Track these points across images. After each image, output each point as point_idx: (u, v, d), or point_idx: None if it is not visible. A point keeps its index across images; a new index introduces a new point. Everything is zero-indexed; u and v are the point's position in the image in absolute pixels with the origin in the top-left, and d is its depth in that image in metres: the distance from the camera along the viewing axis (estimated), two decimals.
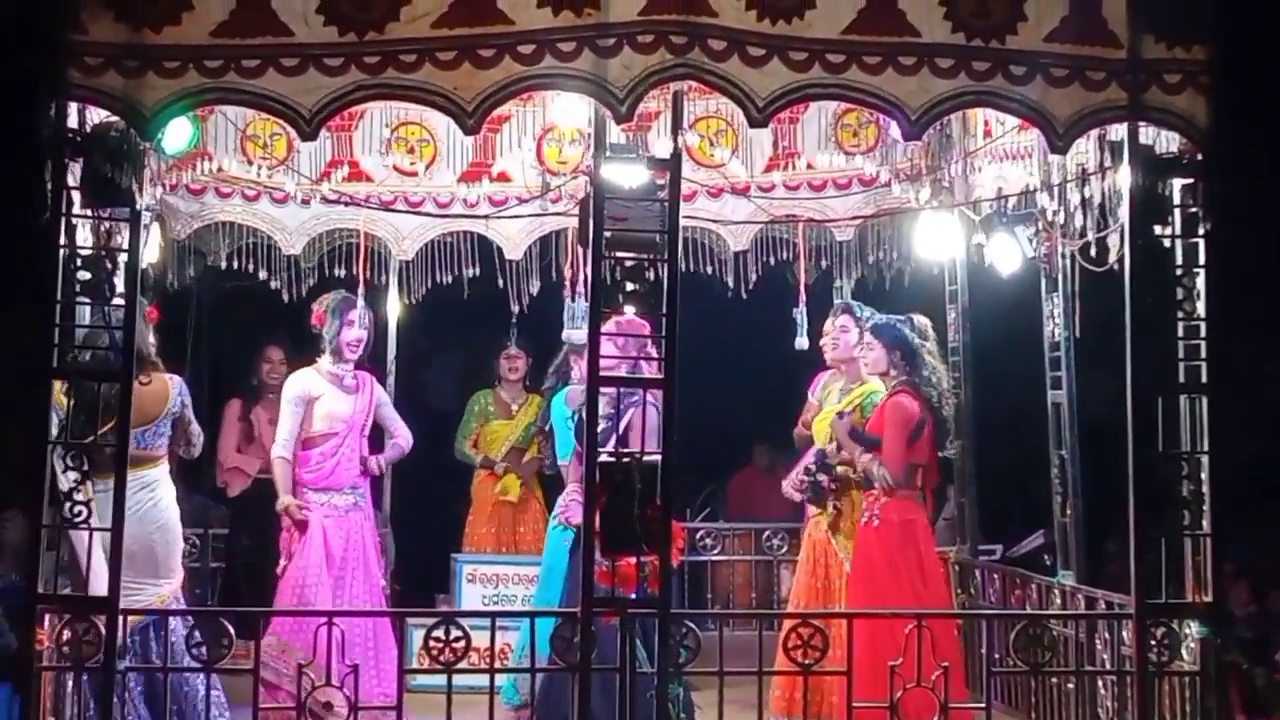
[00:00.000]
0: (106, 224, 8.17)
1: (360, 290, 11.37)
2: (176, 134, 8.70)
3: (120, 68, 7.83)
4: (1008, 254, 10.76)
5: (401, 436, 11.32)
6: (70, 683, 8.39)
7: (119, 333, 8.04)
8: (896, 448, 9.91)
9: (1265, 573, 12.92)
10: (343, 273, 11.89)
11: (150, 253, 10.14)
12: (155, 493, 9.39)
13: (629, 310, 8.54)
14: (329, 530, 10.70)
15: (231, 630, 8.11)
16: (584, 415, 9.78)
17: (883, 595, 9.78)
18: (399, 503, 12.80)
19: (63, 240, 7.99)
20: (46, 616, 7.99)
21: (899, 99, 8.12)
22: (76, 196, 8.02)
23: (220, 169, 10.92)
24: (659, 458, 8.07)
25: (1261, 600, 12.65)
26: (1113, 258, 9.14)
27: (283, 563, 10.73)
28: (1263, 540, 13.72)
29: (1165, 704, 8.47)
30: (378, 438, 11.43)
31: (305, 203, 11.60)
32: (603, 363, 8.29)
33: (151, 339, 9.58)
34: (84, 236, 8.15)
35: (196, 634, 8.18)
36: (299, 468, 10.79)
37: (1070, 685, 9.55)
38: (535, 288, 11.92)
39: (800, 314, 11.30)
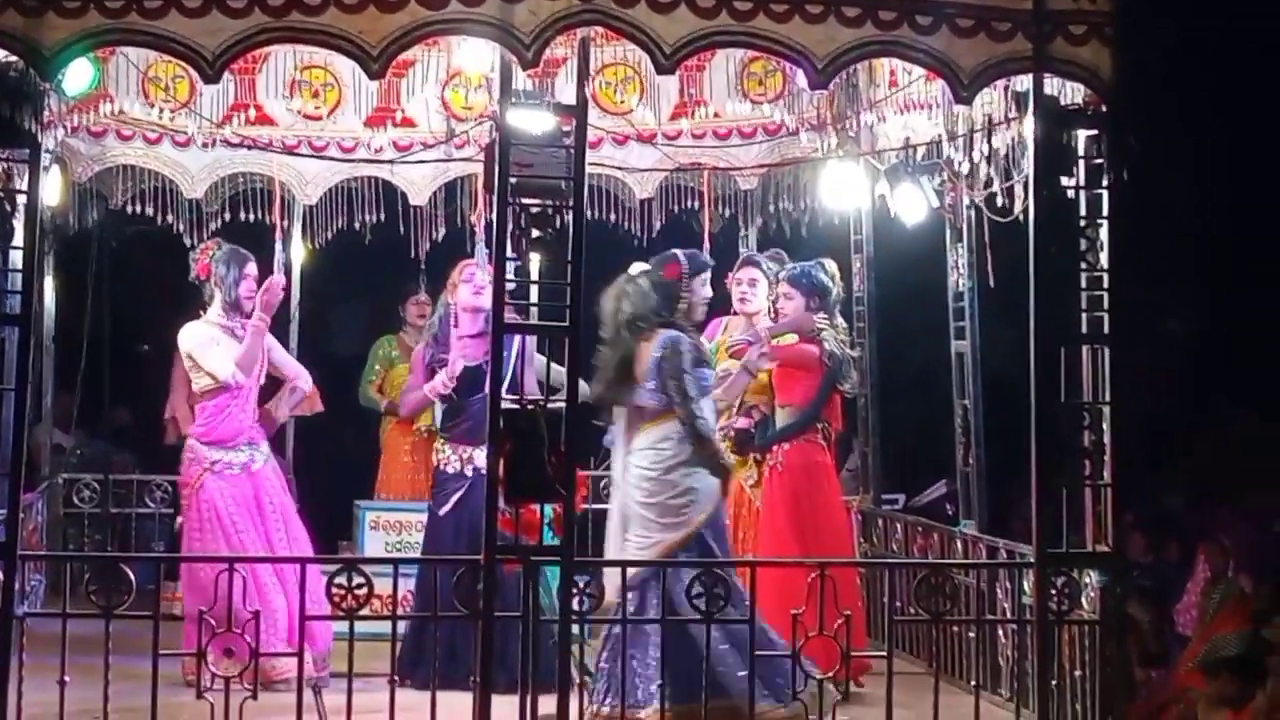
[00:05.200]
0: (5, 165, 8.08)
1: (277, 236, 11.23)
2: (77, 75, 8.60)
3: (19, 6, 7.74)
4: (913, 204, 10.73)
5: (300, 378, 10.64)
6: None
7: (19, 275, 7.96)
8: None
9: (1163, 524, 13.03)
10: (247, 217, 11.80)
11: (50, 196, 10.01)
12: (663, 448, 9.12)
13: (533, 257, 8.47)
14: (220, 488, 10.10)
15: (132, 577, 8.00)
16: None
17: (785, 541, 9.86)
18: (302, 450, 12.72)
19: None
20: None
21: (805, 47, 8.13)
22: None
23: (121, 111, 10.76)
24: (563, 405, 8.07)
25: (1159, 551, 12.76)
26: (1018, 208, 9.17)
27: (179, 519, 10.53)
28: (1161, 491, 13.88)
29: (1065, 652, 8.57)
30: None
31: (207, 146, 11.41)
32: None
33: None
34: None
35: (698, 585, 8.21)
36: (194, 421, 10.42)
37: (971, 634, 9.56)
38: (440, 234, 11.86)
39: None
